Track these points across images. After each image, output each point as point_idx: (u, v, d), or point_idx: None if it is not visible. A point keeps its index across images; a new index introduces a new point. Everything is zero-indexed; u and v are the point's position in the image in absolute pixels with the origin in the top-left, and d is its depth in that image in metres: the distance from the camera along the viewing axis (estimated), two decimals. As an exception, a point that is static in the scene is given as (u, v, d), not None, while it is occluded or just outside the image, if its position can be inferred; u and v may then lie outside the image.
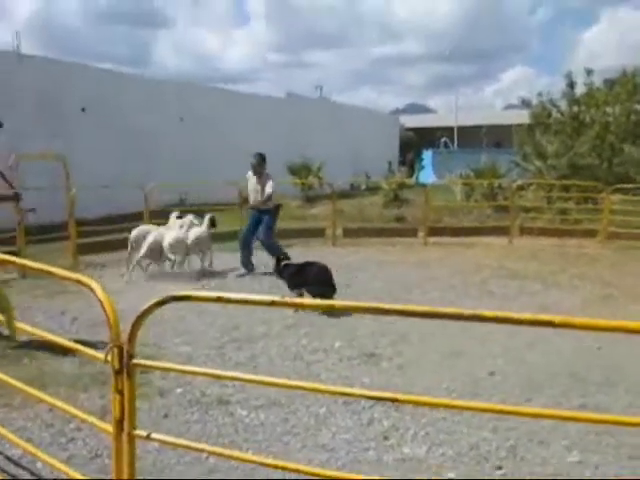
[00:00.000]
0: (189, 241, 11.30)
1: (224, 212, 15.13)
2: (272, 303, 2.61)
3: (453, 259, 12.95)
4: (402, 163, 37.93)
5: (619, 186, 15.77)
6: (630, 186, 16.64)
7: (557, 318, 2.08)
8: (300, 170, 24.08)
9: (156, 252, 11.21)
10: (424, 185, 18.40)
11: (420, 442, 4.82)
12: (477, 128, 44.63)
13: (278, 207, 11.85)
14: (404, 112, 65.79)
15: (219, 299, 2.62)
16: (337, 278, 9.22)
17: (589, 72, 20.91)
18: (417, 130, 47.14)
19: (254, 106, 26.51)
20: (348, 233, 15.65)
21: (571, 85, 20.87)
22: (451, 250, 13.95)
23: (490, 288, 10.27)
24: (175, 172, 20.65)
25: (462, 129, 47.75)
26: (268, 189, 11.37)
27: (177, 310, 8.28)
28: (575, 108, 20.67)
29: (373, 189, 25.70)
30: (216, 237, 12.36)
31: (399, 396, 2.71)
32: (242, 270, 11.62)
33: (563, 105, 20.90)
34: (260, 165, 11.52)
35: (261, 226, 11.58)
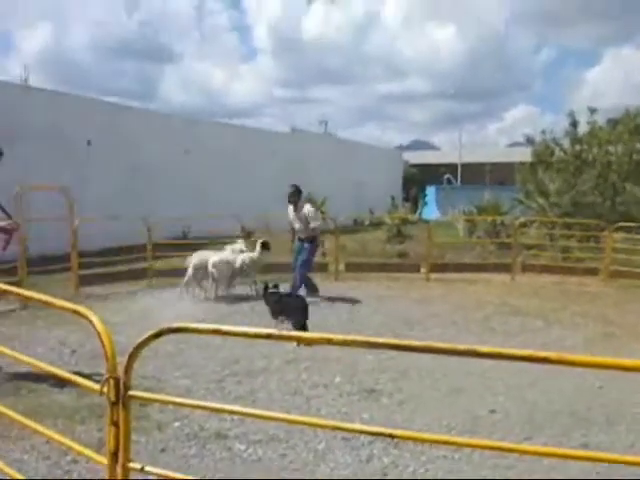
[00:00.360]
0: (237, 264, 12.21)
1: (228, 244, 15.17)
2: (269, 336, 2.61)
3: (455, 295, 12.93)
4: (405, 199, 38.07)
5: (621, 224, 15.79)
6: (632, 225, 16.65)
7: (553, 355, 2.08)
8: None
9: (201, 273, 12.10)
10: (427, 221, 18.45)
11: None
12: (481, 165, 44.89)
13: (317, 237, 12.30)
14: (408, 149, 66.17)
15: (216, 331, 2.62)
16: (339, 312, 9.16)
17: (592, 111, 21.07)
18: (421, 166, 47.37)
19: (259, 140, 26.73)
20: (351, 268, 15.64)
21: (574, 124, 21.02)
22: (453, 286, 13.93)
23: (492, 325, 10.24)
24: (179, 205, 20.76)
25: (466, 166, 47.97)
26: (314, 222, 11.99)
27: (177, 343, 8.27)
28: (577, 147, 20.79)
29: (376, 224, 25.75)
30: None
31: (396, 432, 2.69)
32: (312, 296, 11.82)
33: (566, 143, 21.02)
34: (294, 195, 12.27)
35: (300, 255, 12.05)
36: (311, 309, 9.60)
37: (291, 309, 9.44)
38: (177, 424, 5.73)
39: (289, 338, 2.42)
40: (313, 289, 12.20)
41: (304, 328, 8.96)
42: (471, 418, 6.05)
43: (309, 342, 2.20)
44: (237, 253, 12.53)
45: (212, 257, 12.14)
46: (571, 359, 2.09)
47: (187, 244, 15.79)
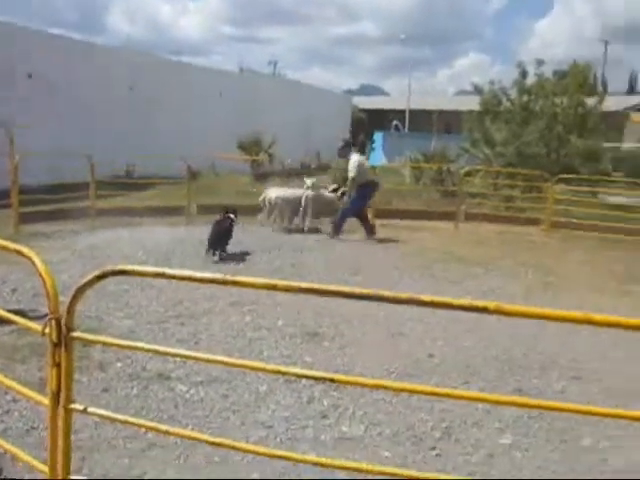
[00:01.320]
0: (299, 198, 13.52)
1: (174, 186, 15.00)
2: (213, 281, 2.61)
3: (400, 241, 13.07)
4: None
5: (563, 176, 16.09)
6: (574, 177, 17.00)
7: (491, 304, 2.14)
8: (251, 146, 23.78)
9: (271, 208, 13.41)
10: (374, 167, 18.46)
11: (358, 422, 4.89)
12: (429, 113, 44.92)
13: (368, 185, 13.13)
14: (358, 93, 65.84)
15: (159, 275, 2.61)
16: (283, 258, 9.16)
17: (540, 62, 21.17)
18: (370, 112, 47.22)
19: (206, 79, 26.23)
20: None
21: (523, 75, 21.10)
22: (398, 233, 14.06)
23: (433, 272, 10.41)
24: (122, 143, 20.35)
25: (414, 113, 47.99)
26: (350, 173, 12.96)
27: (120, 284, 8.21)
28: (525, 97, 20.91)
29: (324, 168, 25.69)
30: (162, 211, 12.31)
31: (337, 377, 2.74)
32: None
33: (513, 94, 21.12)
34: (343, 149, 14.19)
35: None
36: (260, 253, 9.64)
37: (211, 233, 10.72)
38: (119, 364, 5.73)
39: (233, 283, 2.42)
40: (336, 232, 13.13)
41: (212, 247, 10.58)
42: (410, 362, 6.20)
43: (254, 287, 2.20)
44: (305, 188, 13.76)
45: (278, 192, 13.60)
46: (509, 309, 2.14)
47: (131, 183, 15.54)
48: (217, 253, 10.62)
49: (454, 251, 12.19)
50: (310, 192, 13.68)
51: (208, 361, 4.04)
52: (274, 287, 2.47)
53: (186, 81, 24.97)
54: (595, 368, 6.28)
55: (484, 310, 2.13)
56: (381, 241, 13.05)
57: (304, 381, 5.48)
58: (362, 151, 34.31)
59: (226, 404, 5.08)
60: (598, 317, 2.10)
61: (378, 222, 14.85)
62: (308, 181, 14.03)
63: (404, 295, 2.19)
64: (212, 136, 23.37)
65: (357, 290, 2.31)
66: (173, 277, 2.65)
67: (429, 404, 5.17)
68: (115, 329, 6.69)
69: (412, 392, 5.00)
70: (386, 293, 2.22)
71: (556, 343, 6.89)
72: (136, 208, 13.98)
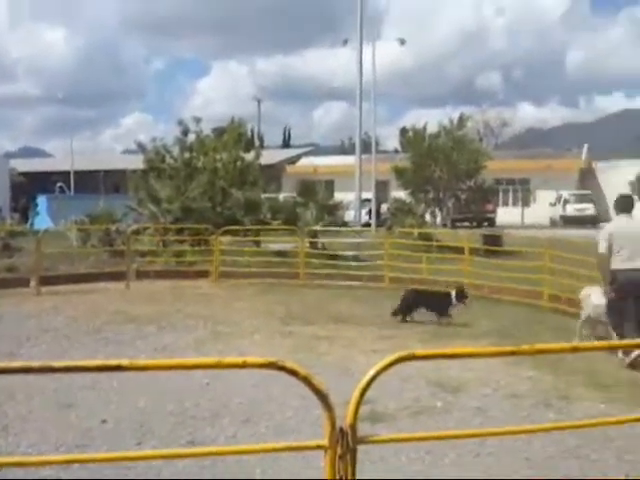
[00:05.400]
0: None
1: None
2: None
3: (68, 307, 12.55)
4: (14, 209, 35.87)
5: (228, 228, 16.82)
6: (238, 228, 17.88)
7: (125, 362, 2.18)
8: None
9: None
10: (37, 232, 17.64)
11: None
12: (95, 173, 44.20)
13: None
14: (18, 155, 62.62)
15: None
16: None
17: (198, 120, 22.05)
18: (31, 174, 45.12)
19: None
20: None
21: (184, 132, 21.76)
22: (67, 298, 13.52)
23: (105, 334, 10.17)
24: None
25: (80, 174, 46.85)
26: None
27: None
28: (187, 154, 21.54)
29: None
30: None
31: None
32: None
33: (176, 151, 21.66)
34: None
35: None
36: None
37: None
38: None
39: None
40: None
41: None
42: (81, 432, 5.98)
43: None
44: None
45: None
46: (144, 364, 2.21)
47: None
48: None
49: (126, 311, 12.04)
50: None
51: None
52: None
53: None
54: (264, 409, 6.61)
55: (118, 368, 2.17)
56: (50, 308, 12.43)
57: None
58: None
59: None
60: (227, 360, 2.26)
61: (44, 289, 14.19)
62: None
63: (36, 363, 2.15)
64: None
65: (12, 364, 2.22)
66: None
67: (109, 470, 5.00)
68: None
69: (81, 462, 4.81)
70: (16, 364, 2.16)
71: (227, 389, 7.13)
72: None
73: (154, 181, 20.88)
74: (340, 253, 18.12)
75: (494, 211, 38.91)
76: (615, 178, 41.59)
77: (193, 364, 2.25)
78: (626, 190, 34.82)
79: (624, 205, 8.82)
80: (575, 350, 3.28)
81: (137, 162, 23.75)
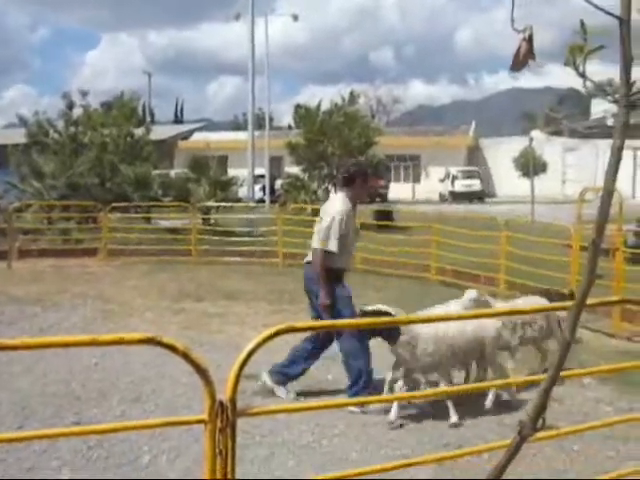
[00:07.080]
0: None
1: None
2: None
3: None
4: None
5: (117, 204, 16.40)
6: (127, 204, 17.48)
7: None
8: None
9: None
10: None
11: None
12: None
13: None
14: None
15: None
16: None
17: (84, 94, 21.37)
18: None
19: None
20: None
21: (70, 106, 21.01)
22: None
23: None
24: None
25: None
26: None
27: None
28: (73, 129, 20.81)
29: None
30: None
31: None
32: None
33: (61, 125, 20.89)
34: None
35: None
36: None
37: None
38: None
39: None
40: None
41: None
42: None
43: None
44: None
45: None
46: (5, 344, 2.11)
47: None
48: None
49: (9, 291, 11.55)
50: None
51: None
52: None
53: None
54: (154, 387, 6.52)
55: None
56: None
57: None
58: None
59: None
60: (103, 337, 2.20)
61: None
62: None
63: None
64: None
65: None
66: None
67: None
68: None
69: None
70: None
71: (116, 368, 6.99)
72: None
73: (37, 156, 20.05)
74: (233, 229, 18.04)
75: (387, 187, 39.60)
76: (500, 154, 43.15)
77: (66, 342, 2.18)
78: (510, 165, 36.26)
79: None
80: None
81: (19, 137, 22.76)
